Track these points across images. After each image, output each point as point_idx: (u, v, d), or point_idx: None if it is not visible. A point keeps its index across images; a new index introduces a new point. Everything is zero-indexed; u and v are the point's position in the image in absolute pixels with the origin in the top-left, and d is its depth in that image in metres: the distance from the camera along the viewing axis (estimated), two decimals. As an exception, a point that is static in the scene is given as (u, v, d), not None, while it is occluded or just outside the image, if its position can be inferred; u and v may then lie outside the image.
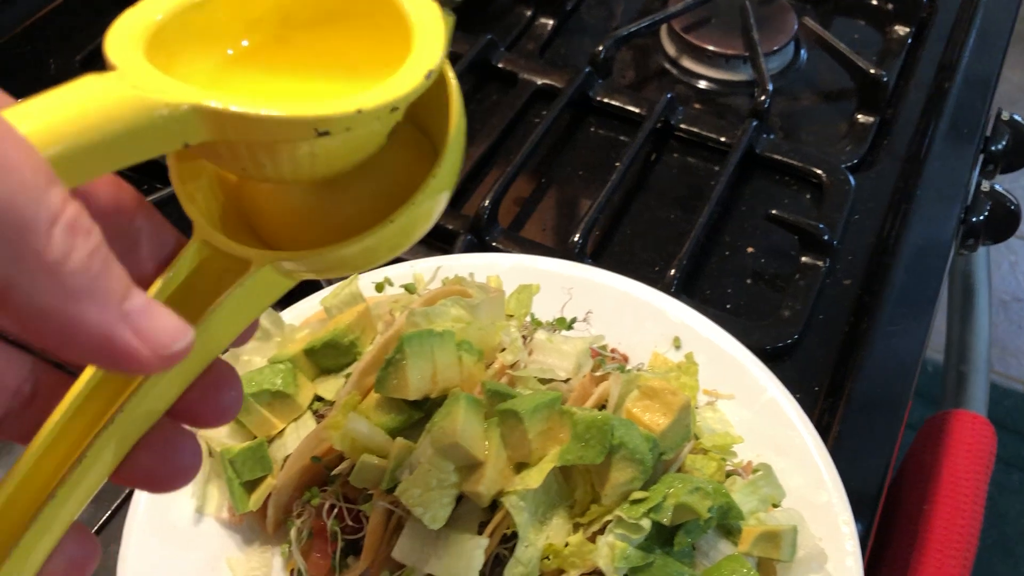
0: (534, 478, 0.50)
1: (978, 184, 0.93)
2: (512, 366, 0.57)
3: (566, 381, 0.57)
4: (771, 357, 0.70)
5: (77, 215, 0.23)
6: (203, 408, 0.31)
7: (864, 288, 0.77)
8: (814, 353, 0.72)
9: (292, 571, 0.56)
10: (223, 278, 0.31)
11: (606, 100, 0.90)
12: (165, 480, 0.31)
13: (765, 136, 0.87)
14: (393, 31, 0.31)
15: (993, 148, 0.98)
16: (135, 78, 0.26)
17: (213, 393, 0.31)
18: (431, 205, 0.32)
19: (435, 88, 0.32)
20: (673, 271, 0.73)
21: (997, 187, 0.93)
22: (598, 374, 0.57)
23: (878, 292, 0.75)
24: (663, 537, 0.50)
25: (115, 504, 0.63)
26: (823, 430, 0.66)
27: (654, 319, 0.66)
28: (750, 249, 0.80)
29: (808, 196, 0.84)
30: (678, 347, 0.65)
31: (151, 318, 0.25)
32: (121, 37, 0.28)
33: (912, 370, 0.73)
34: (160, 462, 0.31)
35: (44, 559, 0.28)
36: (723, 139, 0.86)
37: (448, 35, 0.31)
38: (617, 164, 0.80)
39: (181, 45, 0.30)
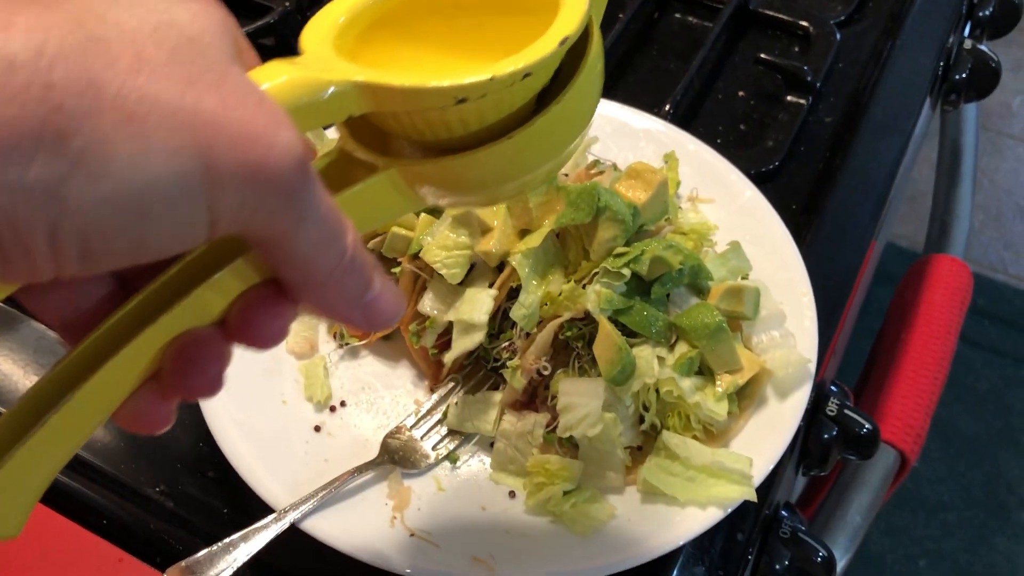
0: (535, 239, 0.60)
1: (960, 43, 0.99)
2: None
3: (566, 176, 0.66)
4: (755, 180, 0.79)
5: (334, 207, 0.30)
6: (257, 331, 0.32)
7: (843, 125, 0.85)
8: (794, 178, 0.81)
9: (335, 334, 0.66)
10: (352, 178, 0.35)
11: None
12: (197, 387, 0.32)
13: (760, -5, 0.95)
14: (549, 8, 0.34)
15: (980, 14, 1.04)
16: (311, 62, 0.32)
17: (269, 319, 0.32)
18: (545, 127, 0.35)
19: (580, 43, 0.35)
20: (668, 106, 0.82)
21: (981, 47, 1.00)
22: (593, 172, 0.67)
23: (855, 128, 0.84)
24: (642, 289, 0.60)
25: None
26: (798, 239, 0.75)
27: (648, 139, 0.75)
28: (741, 93, 0.88)
29: (796, 48, 0.92)
30: (667, 163, 0.74)
31: (381, 306, 0.32)
32: (315, 27, 0.34)
33: (884, 194, 0.81)
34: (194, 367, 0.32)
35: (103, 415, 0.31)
36: (720, -1, 0.94)
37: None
38: (620, 16, 0.89)
39: (368, 31, 0.35)
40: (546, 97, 0.35)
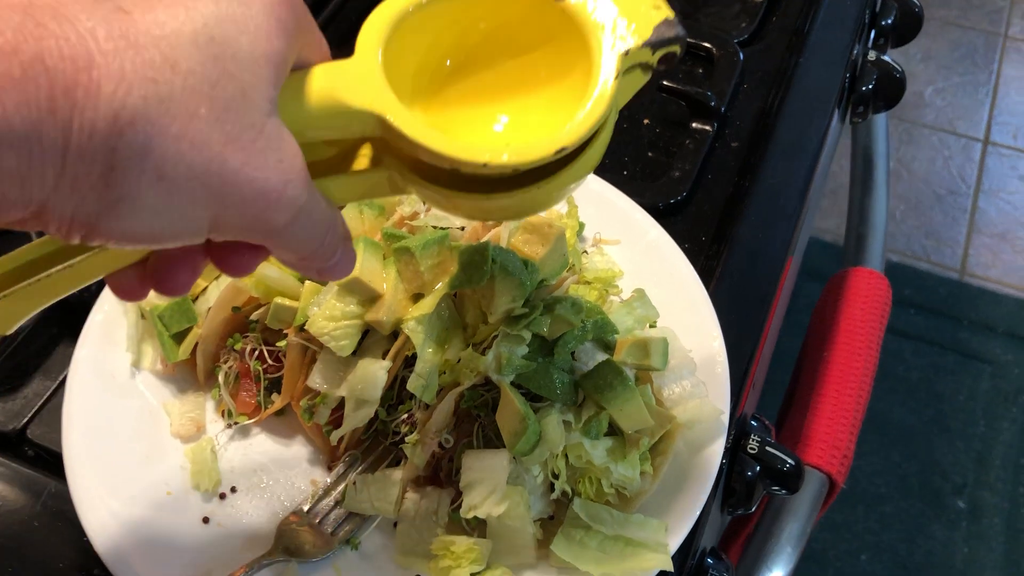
0: (428, 304, 0.56)
1: (865, 55, 0.99)
2: (411, 217, 0.63)
3: (462, 229, 0.63)
4: (663, 214, 0.77)
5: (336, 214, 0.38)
6: (233, 264, 0.39)
7: (750, 148, 0.83)
8: (702, 208, 0.79)
9: (223, 412, 0.62)
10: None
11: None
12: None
13: (661, 17, 0.92)
14: (580, 73, 0.38)
15: (883, 23, 1.04)
16: (351, 74, 0.35)
17: (248, 257, 0.39)
18: (531, 195, 0.38)
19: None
20: (571, 140, 0.79)
21: (884, 57, 0.99)
22: (490, 223, 0.64)
23: (763, 150, 0.82)
24: (545, 350, 0.57)
25: (62, 376, 0.68)
26: (709, 272, 0.73)
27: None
28: (646, 121, 0.86)
29: (700, 70, 0.90)
30: (567, 207, 0.71)
31: (341, 268, 0.40)
32: (371, 26, 0.37)
33: (796, 216, 0.80)
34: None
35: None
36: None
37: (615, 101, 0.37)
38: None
39: (414, 42, 0.38)
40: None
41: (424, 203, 0.42)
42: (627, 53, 0.37)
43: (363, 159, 0.39)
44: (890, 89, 0.99)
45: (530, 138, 0.36)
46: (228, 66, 0.30)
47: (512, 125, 0.40)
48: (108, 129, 0.28)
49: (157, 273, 0.38)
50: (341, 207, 0.44)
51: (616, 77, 0.37)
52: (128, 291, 0.39)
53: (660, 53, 0.38)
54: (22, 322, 0.38)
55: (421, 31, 0.38)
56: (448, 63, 0.41)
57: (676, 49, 0.38)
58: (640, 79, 0.39)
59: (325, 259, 0.39)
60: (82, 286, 0.38)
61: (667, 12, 0.38)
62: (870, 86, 0.98)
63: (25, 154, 0.27)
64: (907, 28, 1.06)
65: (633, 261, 0.67)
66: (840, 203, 1.49)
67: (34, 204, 0.29)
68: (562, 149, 0.35)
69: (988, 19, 2.63)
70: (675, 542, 0.54)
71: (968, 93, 2.48)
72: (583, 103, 0.36)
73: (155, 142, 0.29)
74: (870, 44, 1.05)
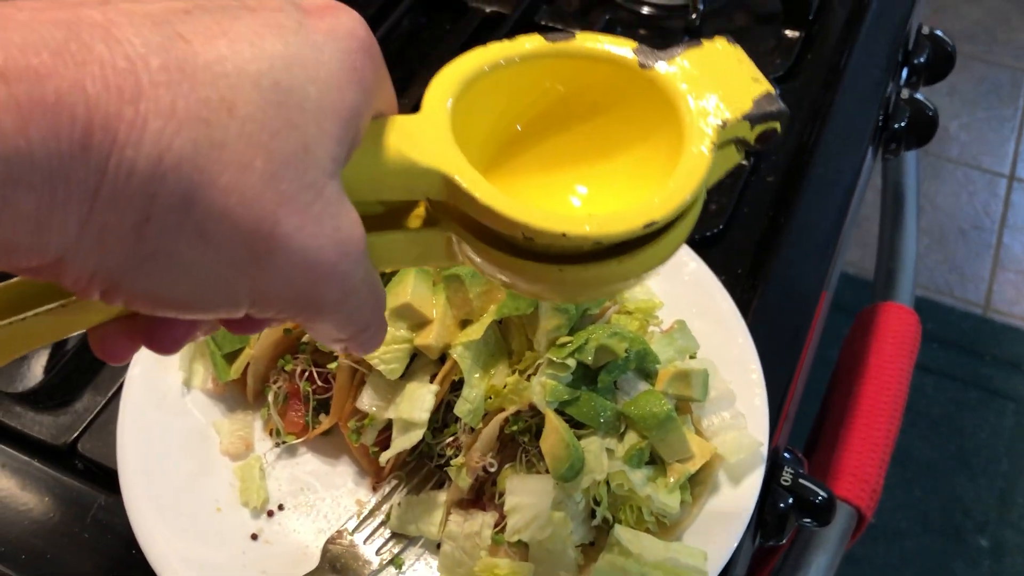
0: (476, 331, 0.58)
1: (898, 93, 1.00)
2: (458, 245, 0.65)
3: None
4: (700, 246, 0.78)
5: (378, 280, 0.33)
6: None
7: (786, 183, 0.84)
8: (738, 241, 0.80)
9: (271, 431, 0.63)
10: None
11: (551, 25, 0.97)
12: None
13: (698, 53, 0.94)
14: (667, 143, 0.34)
15: (916, 61, 1.05)
16: (416, 131, 0.32)
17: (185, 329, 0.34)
18: (609, 270, 0.34)
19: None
20: (610, 172, 0.80)
21: (917, 96, 1.01)
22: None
23: (797, 186, 0.83)
24: (589, 378, 0.58)
25: (112, 391, 0.70)
26: (744, 305, 0.74)
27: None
28: (683, 153, 0.87)
29: (737, 105, 0.91)
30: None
31: (374, 343, 0.35)
32: (441, 82, 0.34)
33: (830, 251, 0.81)
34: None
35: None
36: (659, 57, 0.93)
37: (708, 178, 0.34)
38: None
39: (487, 103, 0.36)
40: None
41: (482, 275, 0.37)
42: (724, 126, 0.34)
43: (415, 219, 0.35)
44: (922, 127, 1.00)
45: (612, 210, 0.32)
46: (292, 116, 0.26)
47: (588, 197, 0.37)
48: (150, 172, 0.24)
49: (149, 328, 0.32)
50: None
51: (711, 149, 0.33)
52: (110, 349, 0.33)
53: (759, 129, 0.35)
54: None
55: (493, 92, 0.36)
56: (519, 127, 0.38)
57: (776, 126, 0.35)
58: (734, 157, 0.36)
59: (366, 337, 0.34)
60: (62, 337, 0.33)
61: (767, 86, 0.35)
62: (903, 123, 0.99)
63: (46, 196, 0.23)
64: (939, 66, 1.07)
65: (673, 293, 0.69)
66: (864, 235, 1.49)
67: (51, 255, 0.25)
68: (652, 223, 0.32)
69: (1013, 55, 2.65)
70: (714, 571, 0.55)
71: (993, 128, 2.48)
72: (674, 175, 0.33)
73: (200, 193, 0.25)
74: (903, 82, 1.06)
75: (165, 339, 0.32)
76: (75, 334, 0.33)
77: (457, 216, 0.34)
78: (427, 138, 0.32)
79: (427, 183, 0.32)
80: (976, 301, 2.17)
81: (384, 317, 0.35)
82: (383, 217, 0.35)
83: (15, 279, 0.31)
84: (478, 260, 0.35)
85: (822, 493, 0.70)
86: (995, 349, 2.05)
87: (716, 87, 0.35)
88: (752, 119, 0.34)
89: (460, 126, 0.33)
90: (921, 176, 2.46)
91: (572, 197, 0.37)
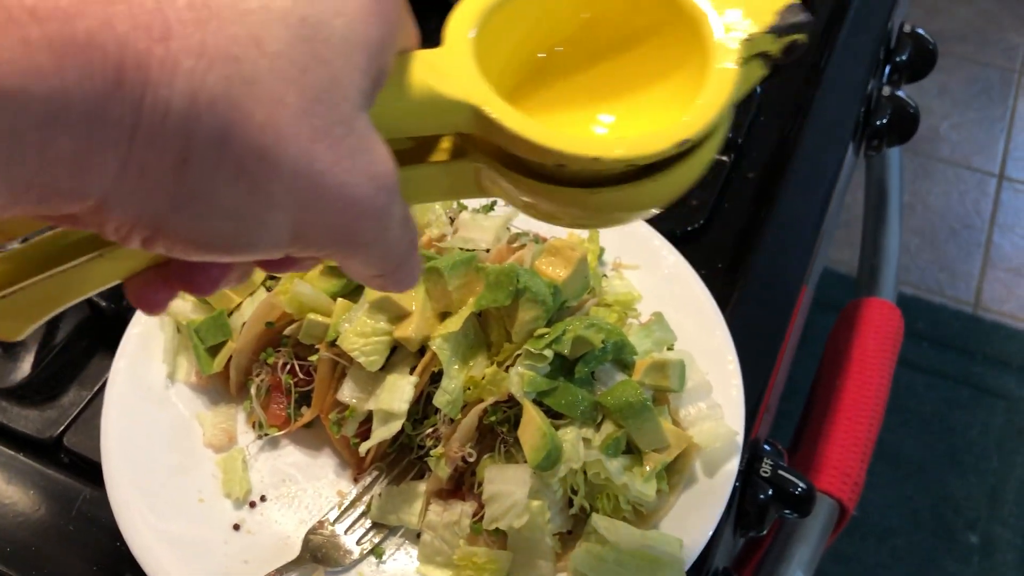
0: (455, 323, 0.58)
1: (879, 90, 1.01)
2: (438, 239, 0.65)
3: (487, 251, 0.65)
4: (681, 241, 0.78)
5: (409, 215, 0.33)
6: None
7: (767, 179, 0.85)
8: (719, 236, 0.81)
9: (254, 423, 0.64)
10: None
11: None
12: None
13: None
14: (691, 67, 0.34)
15: (897, 59, 1.06)
16: (443, 63, 0.32)
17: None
18: (634, 192, 0.34)
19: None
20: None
21: (899, 93, 1.02)
22: (515, 245, 0.66)
23: (779, 181, 0.84)
24: (566, 369, 0.59)
25: (97, 386, 0.71)
26: (725, 300, 0.75)
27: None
28: (665, 150, 0.88)
29: (719, 102, 0.92)
30: (590, 232, 0.73)
31: (410, 280, 0.35)
32: (461, 14, 0.33)
33: (809, 248, 0.82)
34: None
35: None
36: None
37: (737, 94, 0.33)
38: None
39: (507, 33, 0.35)
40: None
41: (509, 203, 0.37)
42: (749, 39, 0.33)
43: (442, 152, 0.35)
44: (904, 124, 1.01)
45: (642, 132, 0.32)
46: (320, 51, 0.26)
47: (616, 124, 0.36)
48: (185, 111, 0.24)
49: (186, 272, 0.32)
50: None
51: (738, 63, 0.33)
52: (146, 299, 0.33)
53: (785, 41, 0.34)
54: (32, 328, 0.33)
55: (515, 21, 0.35)
56: (541, 56, 0.37)
57: (802, 38, 0.34)
58: (759, 71, 0.35)
59: (402, 274, 0.34)
60: (100, 289, 0.33)
61: None
62: (884, 120, 1.00)
63: (84, 136, 0.23)
64: (921, 64, 1.08)
65: (652, 286, 0.69)
66: (853, 235, 1.50)
67: (92, 198, 0.25)
68: (685, 141, 0.32)
69: (1004, 55, 2.66)
70: (690, 558, 0.56)
71: (984, 128, 2.49)
72: (701, 92, 0.33)
73: (236, 130, 0.25)
74: (885, 79, 1.07)
75: (204, 282, 0.32)
76: (112, 284, 0.33)
77: (485, 147, 0.34)
78: (453, 70, 0.32)
79: (456, 116, 0.32)
80: (966, 300, 2.18)
81: (418, 255, 0.35)
82: (411, 152, 0.35)
83: (52, 231, 0.31)
84: (508, 188, 0.35)
85: (801, 484, 0.71)
86: (985, 347, 2.06)
87: (738, 2, 0.34)
88: (777, 31, 0.34)
89: (482, 57, 0.33)
90: (912, 176, 2.48)
91: (596, 127, 0.37)
